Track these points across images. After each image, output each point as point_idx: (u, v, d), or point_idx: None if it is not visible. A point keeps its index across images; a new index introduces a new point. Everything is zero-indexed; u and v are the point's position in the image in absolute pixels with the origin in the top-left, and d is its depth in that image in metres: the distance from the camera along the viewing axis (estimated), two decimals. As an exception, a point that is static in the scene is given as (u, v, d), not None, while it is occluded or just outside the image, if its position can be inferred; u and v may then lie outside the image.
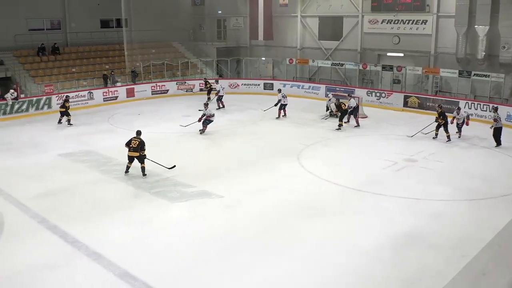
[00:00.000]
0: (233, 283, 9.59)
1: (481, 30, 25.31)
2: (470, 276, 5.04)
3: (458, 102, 24.93)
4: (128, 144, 15.69)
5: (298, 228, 12.09)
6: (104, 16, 35.25)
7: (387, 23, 29.99)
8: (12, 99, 25.33)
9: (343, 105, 22.59)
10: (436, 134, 20.35)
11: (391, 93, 27.72)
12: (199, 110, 20.89)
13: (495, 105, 22.08)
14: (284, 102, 24.66)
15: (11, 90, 25.76)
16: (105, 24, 35.66)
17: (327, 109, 25.01)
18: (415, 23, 28.82)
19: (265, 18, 35.70)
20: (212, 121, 21.46)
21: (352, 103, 22.98)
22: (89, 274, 9.95)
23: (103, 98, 29.04)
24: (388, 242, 11.20)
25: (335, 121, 22.69)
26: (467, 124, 20.64)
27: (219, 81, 28.76)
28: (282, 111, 24.83)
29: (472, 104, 24.53)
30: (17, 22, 30.84)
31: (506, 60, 24.89)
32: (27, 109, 25.98)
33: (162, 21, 35.83)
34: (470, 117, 21.65)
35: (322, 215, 12.87)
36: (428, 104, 26.13)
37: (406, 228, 11.92)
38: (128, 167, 15.98)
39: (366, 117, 24.82)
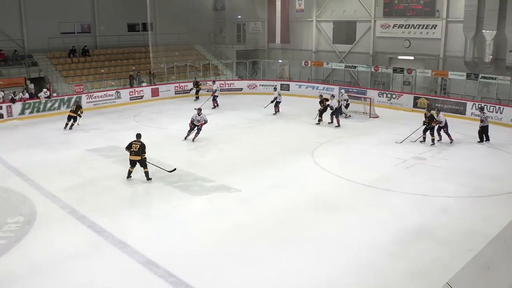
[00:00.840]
0: (250, 273, 9.57)
1: (489, 34, 25.05)
2: (476, 270, 4.97)
3: (466, 103, 24.76)
4: (128, 147, 14.80)
5: (312, 222, 12.04)
6: (131, 20, 35.46)
7: (398, 28, 29.78)
8: (45, 97, 25.63)
9: (325, 100, 22.91)
10: (424, 138, 19.53)
11: (402, 94, 27.51)
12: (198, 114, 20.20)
13: (482, 105, 22.18)
14: (279, 99, 25.40)
15: (44, 89, 26.08)
16: (131, 27, 35.85)
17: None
18: (425, 28, 28.60)
19: (282, 23, 35.73)
20: (201, 129, 19.93)
21: (334, 103, 22.83)
22: (115, 262, 10.03)
23: (130, 97, 29.21)
24: (397, 236, 11.12)
25: (346, 121, 22.62)
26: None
27: (216, 82, 28.85)
28: (276, 107, 25.43)
29: (479, 106, 24.22)
30: (50, 26, 31.16)
31: (512, 64, 24.64)
32: (58, 107, 26.23)
33: (185, 25, 36.07)
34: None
35: (335, 210, 12.82)
36: (436, 105, 25.86)
37: (414, 223, 11.83)
38: (130, 172, 14.93)
39: (378, 117, 24.68)
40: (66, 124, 22.00)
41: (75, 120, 22.18)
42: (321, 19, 34.09)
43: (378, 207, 12.95)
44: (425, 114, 19.36)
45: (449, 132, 19.35)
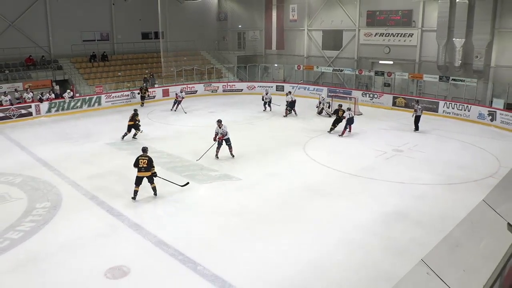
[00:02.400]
0: (250, 250, 9.62)
1: (458, 42, 25.02)
2: (447, 248, 4.99)
3: (438, 102, 24.79)
4: (136, 164, 12.37)
5: (304, 207, 12.08)
6: (144, 29, 35.28)
7: (379, 36, 29.70)
8: (69, 97, 25.58)
9: (341, 112, 22.11)
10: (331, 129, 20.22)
11: (382, 95, 27.49)
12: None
13: (417, 99, 23.79)
14: (266, 99, 25.57)
15: (68, 90, 26.03)
16: (145, 36, 35.68)
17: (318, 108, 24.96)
18: (403, 36, 28.53)
19: (277, 31, 35.68)
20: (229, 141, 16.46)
21: (288, 98, 24.26)
22: (131, 242, 10.06)
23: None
24: (380, 219, 11.18)
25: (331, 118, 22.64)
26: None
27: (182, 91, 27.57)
28: (268, 106, 25.59)
29: (450, 104, 24.26)
30: (73, 35, 31.03)
31: (478, 68, 24.62)
32: (81, 106, 26.17)
33: (192, 34, 35.98)
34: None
35: (324, 196, 12.85)
36: (412, 104, 25.84)
37: (394, 207, 11.87)
38: (136, 192, 12.36)
39: (361, 114, 24.65)
40: (125, 134, 19.33)
41: (136, 128, 19.28)
42: (311, 28, 33.97)
43: (362, 193, 12.98)
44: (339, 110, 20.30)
45: (351, 127, 20.12)
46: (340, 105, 20.82)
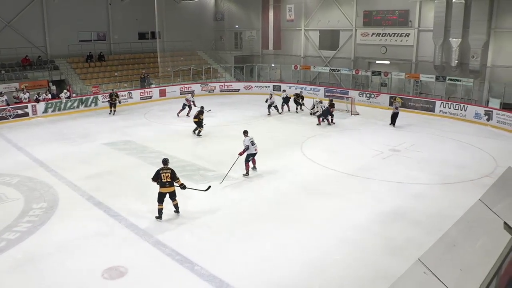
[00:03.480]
0: (248, 249, 9.62)
1: (455, 42, 25.07)
2: (443, 247, 5.00)
3: (435, 102, 24.85)
4: (156, 178, 10.99)
5: (302, 206, 12.09)
6: (141, 29, 35.23)
7: (376, 36, 29.74)
8: (66, 97, 25.53)
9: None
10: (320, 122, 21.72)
11: (379, 94, 27.53)
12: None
13: (394, 96, 25.48)
14: (270, 102, 24.68)
15: (64, 90, 25.99)
16: (142, 36, 35.63)
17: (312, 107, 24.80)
18: (400, 36, 28.57)
19: (274, 31, 35.68)
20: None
21: (283, 95, 25.23)
22: (128, 242, 10.04)
23: (140, 97, 29.06)
24: (377, 218, 11.20)
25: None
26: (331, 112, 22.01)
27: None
28: (272, 109, 24.80)
29: (447, 104, 24.32)
30: (70, 35, 30.98)
31: (474, 68, 24.68)
32: (77, 106, 26.11)
33: (189, 34, 36.00)
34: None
35: (321, 195, 12.86)
36: (409, 103, 25.96)
37: (392, 207, 11.89)
38: (160, 211, 11.09)
39: (358, 114, 24.71)
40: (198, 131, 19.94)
41: (199, 125, 19.86)
42: (308, 28, 33.99)
43: (360, 193, 13.00)
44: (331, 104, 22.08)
45: (326, 118, 22.00)
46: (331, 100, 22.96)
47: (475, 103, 24.04)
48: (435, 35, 26.05)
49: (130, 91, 28.69)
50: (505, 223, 5.25)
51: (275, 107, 24.75)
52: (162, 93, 30.20)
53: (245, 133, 14.69)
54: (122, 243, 9.98)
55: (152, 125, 22.38)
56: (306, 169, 15.30)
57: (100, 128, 21.53)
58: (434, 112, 24.69)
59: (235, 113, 24.88)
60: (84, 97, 26.70)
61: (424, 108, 25.16)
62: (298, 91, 26.03)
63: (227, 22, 39.19)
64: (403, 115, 23.41)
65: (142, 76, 30.48)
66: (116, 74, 31.17)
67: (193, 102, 24.40)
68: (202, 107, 20.19)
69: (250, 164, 14.56)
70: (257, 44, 37.72)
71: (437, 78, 25.87)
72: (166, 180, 10.96)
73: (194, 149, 17.57)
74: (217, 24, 40.01)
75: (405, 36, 28.30)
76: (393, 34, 28.84)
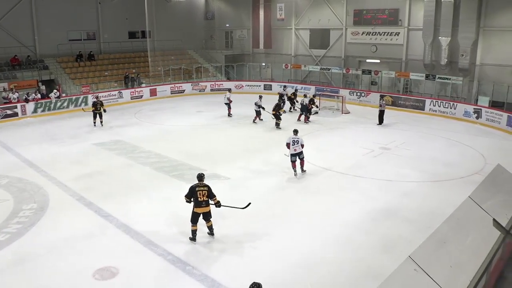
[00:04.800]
0: (240, 248, 9.62)
1: (444, 41, 25.23)
2: (434, 244, 5.04)
3: (425, 100, 25.01)
4: (190, 195, 9.74)
5: (293, 205, 12.12)
6: (131, 28, 35.06)
7: (366, 35, 29.84)
8: (55, 97, 25.35)
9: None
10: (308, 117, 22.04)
11: (369, 93, 27.66)
12: None
13: (383, 94, 25.24)
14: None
15: (54, 90, 25.78)
16: (132, 35, 35.47)
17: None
18: (390, 35, 28.70)
19: (265, 30, 35.68)
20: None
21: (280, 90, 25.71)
22: (120, 243, 9.99)
23: (131, 97, 28.95)
24: (368, 215, 11.26)
25: (320, 117, 22.72)
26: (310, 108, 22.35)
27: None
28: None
29: (436, 102, 24.50)
30: (59, 34, 30.71)
31: (464, 66, 24.83)
32: (67, 106, 25.94)
33: (180, 33, 35.85)
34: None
35: (312, 194, 12.89)
36: (399, 102, 26.10)
37: (382, 204, 11.95)
38: (194, 232, 9.88)
39: (349, 112, 24.80)
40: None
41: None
42: (299, 27, 34.04)
43: (351, 191, 13.06)
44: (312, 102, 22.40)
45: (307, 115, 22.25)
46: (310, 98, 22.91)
47: (464, 101, 24.24)
48: (424, 34, 26.20)
49: (121, 91, 28.56)
50: (494, 220, 5.31)
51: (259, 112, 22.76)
52: (153, 93, 30.10)
53: (294, 131, 14.39)
54: (113, 244, 9.93)
55: (142, 125, 22.29)
56: (297, 167, 15.30)
57: (90, 128, 21.39)
58: (424, 110, 24.85)
59: (226, 113, 24.83)
60: (74, 97, 26.51)
61: (414, 106, 25.32)
62: (293, 90, 26.01)
63: (217, 21, 39.13)
64: (393, 113, 23.58)
65: (127, 75, 30.23)
66: (106, 73, 31.00)
67: (227, 98, 24.01)
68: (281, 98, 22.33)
69: (297, 164, 14.19)
70: (247, 43, 37.70)
71: (426, 77, 26.03)
72: (203, 199, 9.64)
73: (185, 148, 17.52)
74: (207, 23, 39.94)
75: (395, 35, 28.44)
76: (383, 33, 28.97)
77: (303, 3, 33.24)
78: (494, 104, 22.42)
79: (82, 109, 21.42)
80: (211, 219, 9.95)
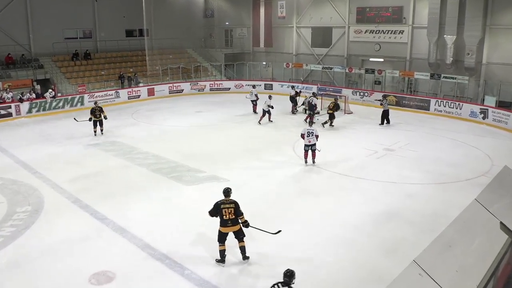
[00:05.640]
0: (238, 252, 9.53)
1: (449, 39, 25.20)
2: (439, 248, 5.02)
3: (430, 100, 25.00)
4: (215, 212, 9.03)
5: (294, 207, 12.11)
6: (128, 26, 35.11)
7: (369, 33, 29.83)
8: (51, 97, 25.34)
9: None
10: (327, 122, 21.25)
11: (373, 93, 27.61)
12: None
13: (384, 94, 24.69)
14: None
15: (49, 90, 25.76)
16: (129, 33, 35.51)
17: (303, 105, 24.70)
18: (394, 33, 28.69)
19: (265, 29, 35.68)
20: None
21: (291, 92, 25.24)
22: (116, 246, 9.98)
23: (128, 97, 28.92)
24: (370, 218, 11.24)
25: (321, 117, 22.73)
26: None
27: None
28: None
29: (441, 102, 24.47)
30: (55, 32, 30.73)
31: (470, 65, 24.79)
32: (63, 106, 25.94)
33: (178, 31, 35.78)
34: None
35: (314, 195, 12.88)
36: (403, 102, 26.07)
37: (385, 207, 11.94)
38: (223, 252, 9.11)
39: (352, 113, 24.78)
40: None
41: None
42: (300, 25, 34.04)
43: (353, 193, 13.05)
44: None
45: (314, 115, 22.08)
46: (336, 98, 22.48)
47: (470, 101, 24.20)
48: (429, 32, 26.18)
49: (118, 90, 28.55)
50: (501, 223, 5.28)
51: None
52: (151, 92, 30.09)
53: (309, 123, 15.92)
54: (109, 247, 9.92)
55: (140, 125, 22.28)
56: (298, 169, 15.31)
57: (86, 129, 21.33)
58: (429, 110, 24.82)
59: (226, 113, 24.84)
60: (69, 97, 26.51)
61: (419, 106, 25.29)
62: (298, 90, 25.98)
63: (217, 19, 39.13)
64: (397, 114, 23.55)
65: (122, 75, 30.15)
66: (102, 73, 31.01)
67: (255, 95, 24.79)
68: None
69: (309, 154, 15.37)
70: (248, 42, 37.71)
71: (431, 76, 25.99)
72: (229, 217, 8.86)
73: (183, 149, 17.50)
74: (206, 21, 39.95)
75: (399, 33, 28.42)
76: (386, 31, 28.95)
77: (304, 0, 33.24)
78: (501, 104, 22.40)
79: (74, 118, 20.46)
80: (244, 239, 9.08)
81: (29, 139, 19.66)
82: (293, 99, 25.13)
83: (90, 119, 19.77)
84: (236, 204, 8.95)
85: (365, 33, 30.11)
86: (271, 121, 22.33)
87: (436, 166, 15.47)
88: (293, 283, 6.35)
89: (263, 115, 22.13)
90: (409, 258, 4.50)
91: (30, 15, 29.71)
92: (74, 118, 20.30)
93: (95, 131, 19.97)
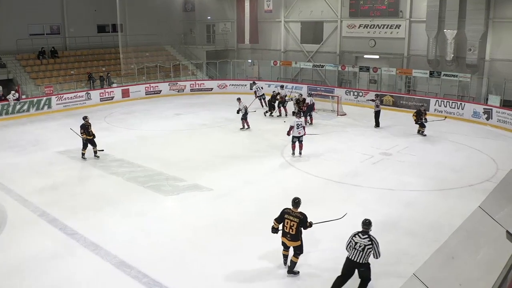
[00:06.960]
0: (224, 265, 9.54)
1: (450, 34, 25.49)
2: (441, 260, 5.04)
3: (429, 100, 25.23)
4: (280, 220, 9.18)
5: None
6: (100, 21, 34.98)
7: (364, 28, 30.09)
8: (14, 99, 25.10)
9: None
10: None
11: (368, 92, 27.81)
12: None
13: (378, 93, 24.95)
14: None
15: (12, 92, 25.51)
16: (101, 29, 35.38)
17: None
18: (390, 28, 28.95)
19: (251, 23, 35.77)
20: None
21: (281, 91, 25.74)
22: (88, 264, 9.86)
23: (100, 98, 28.81)
24: (366, 229, 11.25)
25: (314, 119, 22.82)
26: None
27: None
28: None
29: (442, 102, 24.71)
30: (19, 27, 30.48)
31: (472, 62, 25.09)
32: (28, 109, 25.72)
33: (155, 26, 35.76)
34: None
35: (306, 205, 12.78)
36: (401, 102, 26.29)
37: (383, 216, 11.97)
38: (286, 257, 9.41)
39: (345, 114, 24.92)
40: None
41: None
42: (289, 20, 34.21)
43: (347, 201, 13.06)
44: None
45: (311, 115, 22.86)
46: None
47: (473, 100, 24.47)
48: (428, 26, 26.46)
49: (88, 92, 28.39)
50: (507, 232, 5.33)
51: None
52: (125, 94, 29.97)
53: (295, 114, 18.88)
54: (81, 265, 9.80)
55: (113, 130, 22.15)
56: (288, 175, 15.35)
57: (54, 134, 21.18)
58: (428, 111, 24.98)
59: (207, 115, 24.83)
60: (35, 99, 26.28)
61: (418, 106, 25.49)
62: (275, 93, 26.05)
63: (198, 13, 39.17)
64: (395, 115, 23.74)
65: (90, 75, 29.96)
66: (72, 72, 30.80)
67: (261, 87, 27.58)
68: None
69: (296, 146, 17.11)
70: (232, 38, 37.79)
71: (431, 74, 26.25)
72: (289, 231, 8.86)
73: (161, 156, 17.43)
74: (186, 15, 39.95)
75: (395, 28, 28.69)
76: (382, 26, 29.21)
77: (293, -8, 33.44)
78: (506, 104, 22.68)
79: (71, 129, 18.96)
80: (299, 255, 9.13)
81: (-10, 146, 19.44)
82: (270, 103, 24.96)
83: (84, 140, 17.07)
84: (300, 220, 8.82)
85: (359, 27, 30.35)
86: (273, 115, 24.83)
87: (437, 171, 15.60)
88: (371, 230, 8.37)
89: (270, 108, 24.91)
90: (409, 272, 4.52)
91: (-9, 9, 29.47)
92: (71, 129, 18.98)
93: (83, 154, 17.16)
